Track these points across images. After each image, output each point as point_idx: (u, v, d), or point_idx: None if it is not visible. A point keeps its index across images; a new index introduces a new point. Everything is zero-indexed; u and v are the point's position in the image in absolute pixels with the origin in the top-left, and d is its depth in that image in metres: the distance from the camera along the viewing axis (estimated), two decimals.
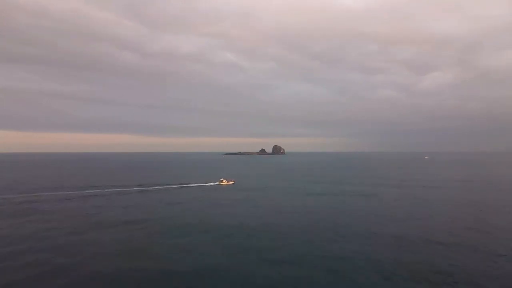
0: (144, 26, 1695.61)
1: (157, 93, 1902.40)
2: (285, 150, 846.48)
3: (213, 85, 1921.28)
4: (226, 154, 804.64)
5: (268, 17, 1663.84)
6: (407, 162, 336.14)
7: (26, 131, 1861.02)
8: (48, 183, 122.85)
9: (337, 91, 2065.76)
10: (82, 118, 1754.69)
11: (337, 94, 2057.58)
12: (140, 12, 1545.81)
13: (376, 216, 62.15)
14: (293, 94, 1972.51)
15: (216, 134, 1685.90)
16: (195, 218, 60.67)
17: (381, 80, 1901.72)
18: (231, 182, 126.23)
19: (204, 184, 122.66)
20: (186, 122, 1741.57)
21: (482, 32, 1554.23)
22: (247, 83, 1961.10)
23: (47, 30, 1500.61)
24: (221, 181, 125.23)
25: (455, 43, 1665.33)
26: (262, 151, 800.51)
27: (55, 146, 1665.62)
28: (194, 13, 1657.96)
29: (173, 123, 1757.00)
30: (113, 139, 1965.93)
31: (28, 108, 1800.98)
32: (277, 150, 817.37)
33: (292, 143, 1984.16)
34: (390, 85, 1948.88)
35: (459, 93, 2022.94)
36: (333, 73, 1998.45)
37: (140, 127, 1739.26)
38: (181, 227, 53.94)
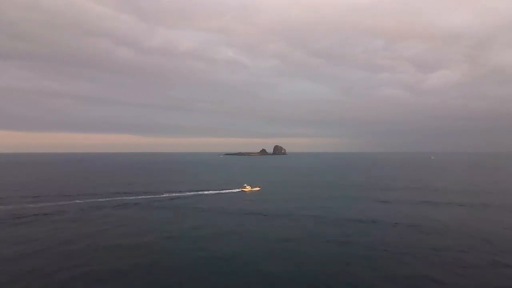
0: (141, 20, 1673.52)
1: (157, 92, 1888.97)
2: (286, 151, 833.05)
3: (214, 83, 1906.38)
4: (225, 154, 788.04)
5: (270, 11, 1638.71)
6: (420, 164, 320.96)
7: (26, 131, 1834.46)
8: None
9: (340, 90, 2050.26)
10: (82, 118, 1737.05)
11: (341, 93, 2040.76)
12: (137, 6, 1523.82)
13: None
14: (296, 92, 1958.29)
15: (217, 134, 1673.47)
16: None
17: (386, 78, 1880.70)
18: (257, 189, 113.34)
19: (224, 191, 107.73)
20: (186, 122, 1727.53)
21: (495, 26, 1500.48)
22: (249, 81, 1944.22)
23: (39, 24, 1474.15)
24: (245, 187, 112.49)
25: (465, 39, 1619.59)
26: (263, 152, 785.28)
27: (54, 146, 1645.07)
28: (193, 7, 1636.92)
29: (173, 123, 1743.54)
30: (113, 139, 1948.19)
31: (27, 108, 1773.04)
32: (278, 150, 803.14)
33: (293, 143, 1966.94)
34: (396, 83, 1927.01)
35: (467, 92, 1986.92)
36: (337, 70, 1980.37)
37: (140, 127, 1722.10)
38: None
